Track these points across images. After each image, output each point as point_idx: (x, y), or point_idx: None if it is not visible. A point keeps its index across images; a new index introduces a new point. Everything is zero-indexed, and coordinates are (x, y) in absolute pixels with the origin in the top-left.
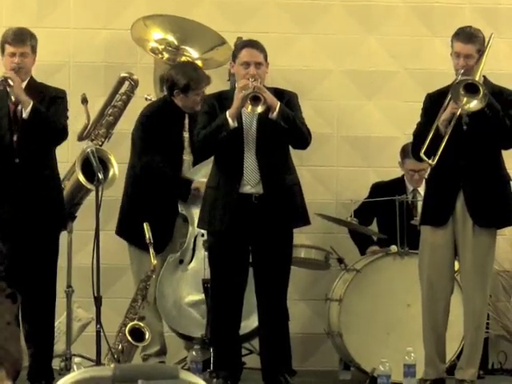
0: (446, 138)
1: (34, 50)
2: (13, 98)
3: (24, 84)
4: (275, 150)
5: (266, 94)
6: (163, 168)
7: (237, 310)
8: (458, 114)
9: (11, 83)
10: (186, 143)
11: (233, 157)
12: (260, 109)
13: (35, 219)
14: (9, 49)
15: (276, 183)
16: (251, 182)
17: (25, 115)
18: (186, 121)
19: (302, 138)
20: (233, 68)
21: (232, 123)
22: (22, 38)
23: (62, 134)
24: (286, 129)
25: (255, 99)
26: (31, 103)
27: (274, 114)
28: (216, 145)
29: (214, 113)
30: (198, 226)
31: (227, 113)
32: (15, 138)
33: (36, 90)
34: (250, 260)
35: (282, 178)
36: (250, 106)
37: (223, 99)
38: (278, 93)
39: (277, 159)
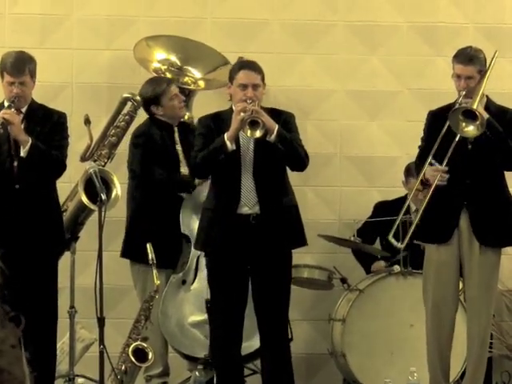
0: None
1: (33, 74)
2: (11, 136)
3: (25, 109)
4: (272, 171)
5: (265, 118)
6: (165, 176)
7: (237, 330)
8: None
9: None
10: (181, 156)
11: (230, 179)
12: (259, 133)
13: (34, 243)
14: (7, 78)
15: (273, 204)
16: (249, 204)
17: (23, 154)
18: (176, 134)
19: (300, 160)
20: (229, 89)
21: (230, 146)
22: (20, 67)
23: (59, 169)
24: (283, 151)
25: (254, 123)
26: (29, 142)
27: (272, 137)
28: (214, 167)
29: (211, 134)
30: (194, 247)
31: (225, 136)
32: (15, 164)
33: (37, 114)
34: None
35: (280, 200)
36: (248, 131)
37: (220, 120)
38: (275, 113)
39: (274, 181)
